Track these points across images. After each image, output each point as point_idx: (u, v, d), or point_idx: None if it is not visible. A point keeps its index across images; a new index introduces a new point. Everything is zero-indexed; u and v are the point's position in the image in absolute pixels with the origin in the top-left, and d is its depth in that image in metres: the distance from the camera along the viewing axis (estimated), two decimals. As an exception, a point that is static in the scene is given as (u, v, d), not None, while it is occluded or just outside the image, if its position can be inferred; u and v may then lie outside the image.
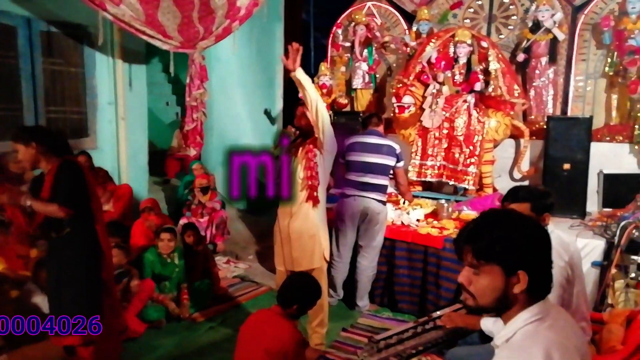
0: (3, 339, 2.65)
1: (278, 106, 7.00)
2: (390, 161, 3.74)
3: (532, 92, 4.78)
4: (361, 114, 5.31)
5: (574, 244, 2.41)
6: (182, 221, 4.98)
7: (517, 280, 1.22)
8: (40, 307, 2.98)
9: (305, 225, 3.04)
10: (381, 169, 3.72)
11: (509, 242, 1.22)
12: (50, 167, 2.48)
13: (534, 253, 1.24)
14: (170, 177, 6.41)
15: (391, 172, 3.81)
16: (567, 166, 4.03)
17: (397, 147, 3.77)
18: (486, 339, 2.22)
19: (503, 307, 1.28)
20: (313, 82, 5.56)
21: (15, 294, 3.07)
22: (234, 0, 5.24)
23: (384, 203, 3.78)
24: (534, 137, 4.57)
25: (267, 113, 6.84)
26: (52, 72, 4.87)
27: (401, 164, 3.81)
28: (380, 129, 3.89)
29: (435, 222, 3.96)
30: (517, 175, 4.64)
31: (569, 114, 4.67)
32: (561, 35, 4.62)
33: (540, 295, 1.28)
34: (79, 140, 5.07)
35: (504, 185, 4.40)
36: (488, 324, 2.22)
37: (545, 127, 4.32)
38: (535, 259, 1.24)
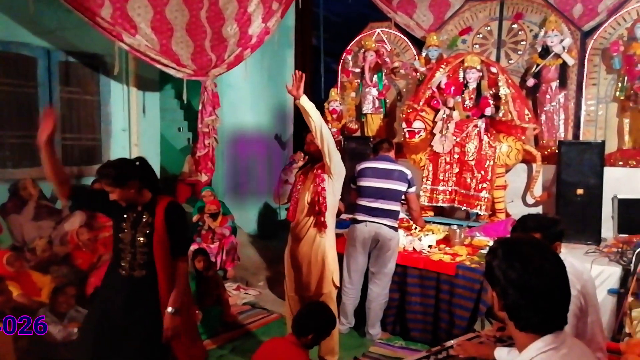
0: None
1: (289, 131, 7.07)
2: (401, 186, 3.72)
3: (543, 117, 4.77)
4: (371, 139, 5.34)
5: (588, 272, 2.36)
6: (193, 247, 4.98)
7: (495, 298, 1.30)
8: (54, 335, 2.97)
9: (313, 250, 3.05)
10: (392, 195, 3.71)
11: (497, 263, 1.28)
12: (147, 204, 2.39)
13: (513, 280, 1.24)
14: (181, 203, 6.45)
15: (403, 197, 3.79)
16: (580, 191, 3.98)
17: (408, 172, 3.76)
18: (501, 370, 2.16)
19: (502, 328, 1.30)
20: (323, 107, 5.69)
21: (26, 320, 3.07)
22: (246, 29, 5.37)
23: (395, 229, 3.75)
24: (547, 162, 4.54)
25: (277, 138, 6.90)
26: (69, 100, 5.02)
27: (413, 189, 3.79)
28: (392, 154, 3.89)
29: (447, 249, 3.92)
30: (530, 200, 4.59)
31: (581, 138, 4.65)
32: (571, 60, 4.63)
33: (554, 324, 1.26)
34: (93, 167, 5.16)
35: (517, 210, 4.36)
36: (502, 353, 2.16)
37: (557, 151, 4.29)
38: (521, 287, 1.23)
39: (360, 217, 3.73)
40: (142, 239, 2.37)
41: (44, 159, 2.36)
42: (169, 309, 2.37)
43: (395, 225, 3.76)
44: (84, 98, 5.15)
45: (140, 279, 2.38)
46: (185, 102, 5.49)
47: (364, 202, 3.74)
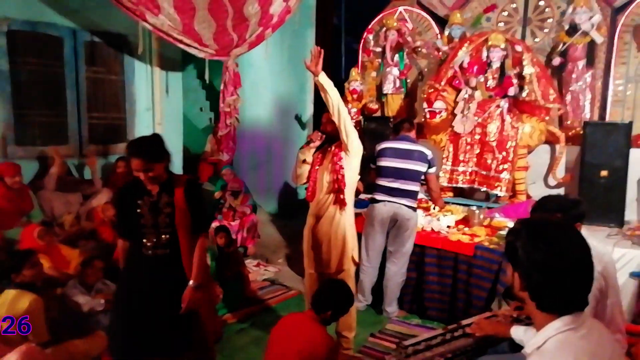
0: (49, 333, 2.79)
1: (309, 112, 7.07)
2: (421, 167, 3.72)
3: (568, 97, 4.66)
4: (391, 119, 5.32)
5: (609, 254, 2.35)
6: (214, 224, 5.10)
7: (516, 279, 1.31)
8: (81, 305, 3.12)
9: (333, 228, 3.07)
10: (412, 175, 3.71)
11: (521, 244, 1.29)
12: (164, 183, 2.40)
13: (537, 261, 1.25)
14: (203, 181, 6.58)
15: (423, 178, 3.79)
16: (604, 173, 3.91)
17: (429, 152, 3.75)
18: (516, 348, 2.19)
19: (520, 308, 1.32)
20: (344, 87, 5.67)
21: (59, 291, 3.23)
22: (267, 8, 5.35)
23: (414, 209, 3.76)
24: (570, 143, 4.46)
25: (297, 118, 6.92)
26: (95, 80, 5.12)
27: (433, 169, 3.78)
28: (412, 134, 3.87)
29: (466, 229, 3.92)
30: (552, 182, 4.53)
31: (608, 119, 4.53)
32: (600, 38, 4.49)
33: (575, 305, 1.28)
34: (118, 145, 5.29)
35: (539, 192, 4.31)
36: (519, 332, 2.19)
37: (582, 132, 4.21)
38: (545, 269, 1.25)
39: (379, 196, 3.76)
40: (164, 219, 2.39)
41: None
42: (191, 283, 2.44)
43: (414, 205, 3.77)
44: (108, 77, 5.24)
45: (164, 256, 2.43)
46: (207, 82, 5.54)
47: (383, 182, 3.75)
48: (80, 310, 3.09)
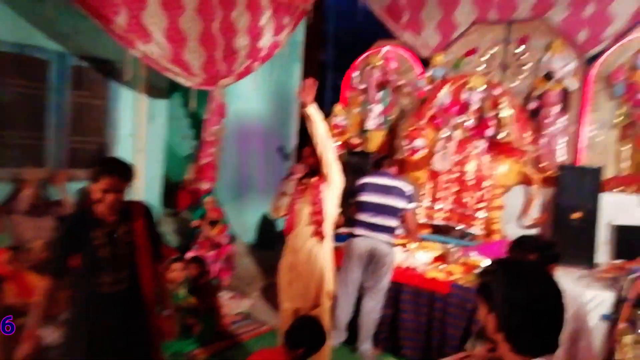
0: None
1: (292, 144, 7.14)
2: (400, 203, 3.75)
3: (544, 140, 4.79)
4: (372, 155, 5.39)
5: (581, 297, 2.37)
6: (189, 254, 5.02)
7: (491, 320, 1.29)
8: (45, 338, 2.99)
9: (311, 261, 3.06)
10: (391, 211, 3.74)
11: (498, 285, 1.28)
12: (126, 207, 2.25)
13: (517, 302, 1.25)
14: (181, 210, 6.51)
15: (401, 213, 3.82)
16: (576, 215, 4.00)
17: (408, 189, 3.80)
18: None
19: (493, 349, 1.30)
20: (328, 122, 5.75)
21: (21, 322, 3.09)
22: (256, 41, 5.48)
23: (392, 245, 3.77)
24: (545, 185, 4.56)
25: (280, 150, 6.97)
26: (79, 104, 5.11)
27: (412, 205, 3.82)
28: (393, 170, 3.93)
29: (441, 267, 3.93)
30: (526, 222, 4.60)
31: (580, 163, 4.66)
32: (574, 85, 4.67)
33: (548, 348, 1.28)
34: (98, 170, 5.23)
35: (513, 232, 4.36)
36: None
37: (556, 175, 4.31)
38: (519, 308, 1.25)
39: (358, 231, 3.77)
40: (124, 250, 2.22)
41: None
42: (166, 312, 2.34)
43: (393, 241, 3.78)
44: (93, 102, 5.24)
45: (124, 292, 2.24)
46: (193, 110, 5.58)
47: (362, 217, 3.77)
48: (40, 344, 2.97)
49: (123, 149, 5.40)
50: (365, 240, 3.71)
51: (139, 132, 5.48)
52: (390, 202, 3.74)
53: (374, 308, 3.78)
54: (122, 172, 2.17)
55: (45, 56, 4.83)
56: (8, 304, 3.11)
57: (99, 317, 2.21)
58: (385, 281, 3.77)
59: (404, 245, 4.29)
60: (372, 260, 3.73)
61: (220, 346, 3.85)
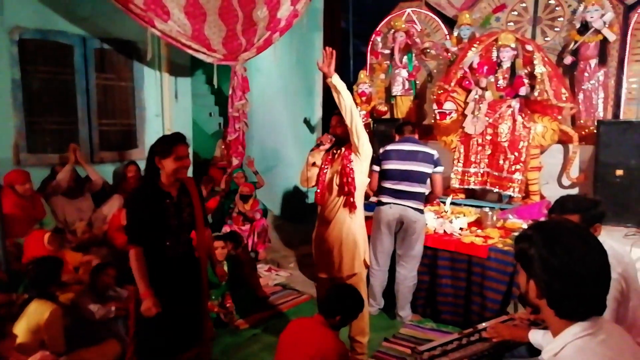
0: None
1: (317, 114, 7.05)
2: (427, 168, 3.69)
3: (580, 96, 4.60)
4: (401, 121, 5.28)
5: (628, 255, 2.29)
6: (224, 229, 5.09)
7: (531, 286, 1.27)
8: (93, 314, 3.10)
9: (343, 231, 3.04)
10: (418, 177, 3.68)
11: (535, 251, 1.24)
12: (185, 187, 2.54)
13: (557, 268, 1.20)
14: (215, 186, 6.58)
15: (429, 178, 3.76)
16: (619, 172, 3.84)
17: (434, 152, 3.72)
18: (535, 352, 2.14)
19: (536, 311, 1.28)
20: (352, 90, 5.65)
21: (66, 298, 3.21)
22: (275, 12, 5.35)
23: (421, 211, 3.73)
24: (584, 142, 4.39)
25: (306, 122, 6.91)
26: (105, 86, 5.15)
27: (440, 169, 3.74)
28: (415, 135, 3.86)
29: (479, 231, 3.87)
30: (566, 182, 4.46)
31: (622, 117, 4.46)
32: (612, 36, 4.43)
33: (593, 310, 1.23)
34: (129, 152, 5.31)
35: (552, 192, 4.25)
36: (537, 336, 2.14)
37: (595, 131, 4.14)
38: (559, 274, 1.20)
39: (385, 199, 3.73)
40: (187, 218, 2.51)
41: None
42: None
43: (421, 207, 3.73)
44: (118, 84, 5.27)
45: (184, 255, 2.54)
46: (216, 87, 5.55)
47: (388, 185, 3.72)
48: (92, 319, 3.09)
49: (151, 129, 5.44)
50: (392, 208, 3.67)
51: (166, 111, 5.50)
52: (416, 168, 3.68)
53: (408, 275, 3.77)
54: (186, 140, 2.49)
55: (67, 40, 4.85)
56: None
57: (165, 279, 2.47)
58: (418, 248, 3.75)
59: (438, 211, 4.23)
60: (402, 228, 3.70)
61: (261, 316, 3.93)
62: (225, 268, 3.92)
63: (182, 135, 2.49)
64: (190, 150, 2.74)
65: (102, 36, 5.04)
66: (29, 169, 4.32)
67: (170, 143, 2.43)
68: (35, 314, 2.68)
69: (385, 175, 3.76)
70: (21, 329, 2.61)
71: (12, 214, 3.80)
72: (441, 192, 3.92)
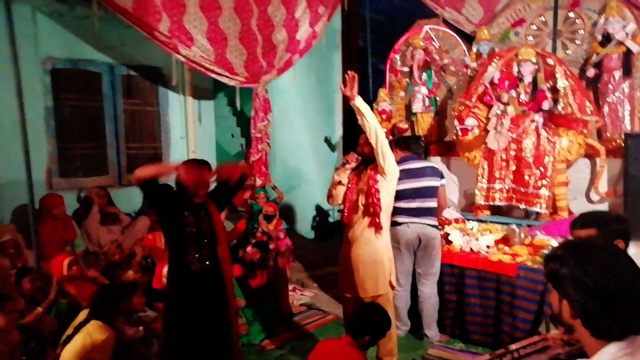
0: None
1: (338, 133, 7.12)
2: (436, 182, 3.76)
3: (605, 109, 4.52)
4: (422, 138, 5.28)
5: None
6: (249, 249, 5.12)
7: (565, 307, 1.24)
8: (130, 335, 3.14)
9: (368, 251, 3.05)
10: (429, 192, 3.72)
11: (567, 270, 1.22)
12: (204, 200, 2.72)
13: (590, 287, 1.19)
14: (237, 206, 6.65)
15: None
16: (651, 186, 3.75)
17: (437, 166, 3.86)
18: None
19: (569, 331, 1.25)
20: (372, 108, 5.68)
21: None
22: (294, 34, 5.48)
23: (437, 227, 3.73)
24: (612, 156, 4.30)
25: (327, 141, 6.97)
26: (131, 112, 5.32)
27: (444, 181, 3.86)
28: (419, 151, 3.91)
29: (506, 249, 3.81)
30: (594, 197, 4.36)
31: (650, 129, 4.37)
32: (635, 47, 4.36)
33: (630, 330, 1.20)
34: (155, 174, 5.42)
35: (581, 208, 4.15)
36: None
37: (623, 145, 4.06)
38: (593, 293, 1.18)
39: (401, 219, 3.69)
40: (206, 227, 2.61)
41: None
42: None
43: (436, 223, 3.75)
44: (144, 109, 5.44)
45: (209, 271, 2.61)
46: (238, 108, 5.67)
47: (402, 204, 3.68)
48: (127, 341, 3.13)
49: (176, 152, 5.58)
50: (410, 227, 3.65)
51: (190, 134, 5.63)
52: (427, 184, 3.71)
53: (431, 293, 3.73)
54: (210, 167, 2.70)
55: (96, 69, 5.04)
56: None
57: (192, 292, 2.59)
58: (437, 265, 3.73)
59: (463, 229, 4.18)
60: (420, 246, 3.68)
61: (287, 337, 3.93)
62: None
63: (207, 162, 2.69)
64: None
65: (129, 63, 5.23)
66: (60, 192, 4.47)
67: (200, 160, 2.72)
68: (93, 335, 2.73)
69: (398, 195, 3.73)
70: (75, 346, 2.68)
71: (46, 236, 3.93)
72: (445, 205, 4.00)
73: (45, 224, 3.99)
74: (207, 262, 2.60)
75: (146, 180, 2.59)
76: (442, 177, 3.81)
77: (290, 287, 5.09)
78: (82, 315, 2.95)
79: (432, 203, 3.71)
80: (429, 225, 3.66)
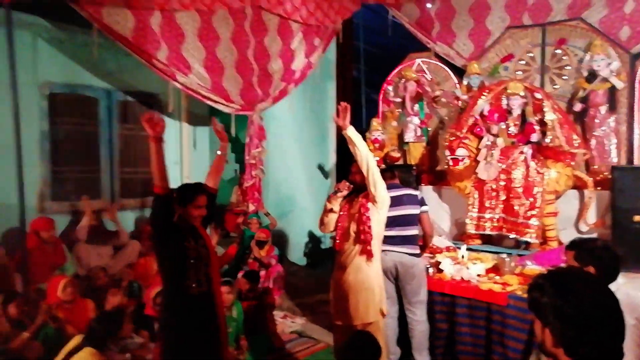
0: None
1: (331, 161, 7.19)
2: (414, 209, 3.72)
3: (593, 142, 4.64)
4: (414, 167, 5.36)
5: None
6: (240, 275, 5.09)
7: (547, 335, 1.26)
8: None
9: (359, 278, 3.06)
10: (408, 220, 3.69)
11: (548, 299, 1.25)
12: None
13: (570, 315, 1.21)
14: (229, 231, 6.64)
15: (417, 219, 3.77)
16: (638, 218, 3.82)
17: (417, 193, 3.81)
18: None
19: None
20: (365, 137, 5.78)
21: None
22: (289, 64, 5.61)
23: (417, 255, 3.72)
24: (600, 188, 4.39)
25: (320, 168, 7.03)
26: (127, 136, 5.36)
27: (426, 208, 3.79)
28: (396, 181, 3.87)
29: (497, 278, 3.83)
30: (583, 227, 4.43)
31: (636, 162, 4.48)
32: (620, 84, 4.52)
33: (612, 357, 1.23)
34: (149, 199, 5.42)
35: (571, 238, 4.18)
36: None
37: (610, 177, 4.16)
38: (573, 321, 1.21)
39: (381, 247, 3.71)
40: (202, 252, 2.65)
41: (154, 152, 2.66)
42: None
43: (417, 251, 3.72)
44: (140, 134, 5.46)
45: (206, 293, 2.64)
46: (233, 135, 5.73)
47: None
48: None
49: (170, 177, 5.58)
50: (388, 255, 3.62)
51: (184, 159, 5.67)
52: (405, 212, 3.69)
53: (419, 320, 3.70)
54: (207, 192, 2.78)
55: (93, 94, 5.11)
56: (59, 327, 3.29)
57: (191, 315, 2.62)
58: (423, 292, 3.71)
59: (454, 258, 4.21)
60: (400, 275, 3.67)
61: (277, 366, 3.87)
62: (234, 313, 3.92)
63: (202, 186, 2.75)
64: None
65: (126, 89, 5.31)
66: (52, 216, 4.45)
67: (193, 191, 2.71)
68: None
69: None
70: None
71: (35, 260, 3.89)
72: (432, 231, 3.95)
73: (34, 247, 3.96)
74: (204, 286, 2.63)
75: (168, 192, 2.62)
76: (422, 204, 3.78)
77: (281, 314, 5.04)
78: (75, 340, 2.90)
79: (411, 231, 3.70)
80: (406, 253, 3.64)
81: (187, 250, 2.60)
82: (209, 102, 5.12)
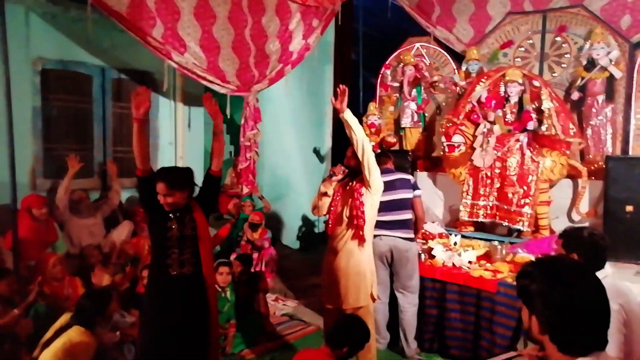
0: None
1: (327, 145, 7.15)
2: (407, 194, 3.76)
3: (589, 131, 4.63)
4: (410, 153, 5.35)
5: (631, 291, 2.28)
6: (232, 257, 5.10)
7: (533, 322, 1.27)
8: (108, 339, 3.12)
9: (351, 263, 3.07)
10: (401, 204, 3.73)
11: (536, 286, 1.26)
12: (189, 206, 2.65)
13: (557, 303, 1.22)
14: (223, 214, 6.63)
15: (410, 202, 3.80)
16: (629, 208, 3.84)
17: (410, 177, 3.85)
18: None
19: (542, 348, 1.29)
20: (362, 121, 5.75)
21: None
22: (287, 46, 5.53)
23: (411, 239, 3.74)
24: (593, 178, 4.40)
25: (316, 151, 7.00)
26: (120, 115, 5.29)
27: (418, 192, 3.84)
28: (390, 164, 3.91)
29: (488, 265, 3.85)
30: (575, 217, 4.45)
31: (630, 153, 4.48)
32: (618, 73, 4.49)
33: (596, 345, 1.25)
34: (141, 178, 5.40)
35: (562, 227, 4.19)
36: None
37: (604, 167, 4.16)
38: (559, 309, 1.22)
39: (375, 231, 3.71)
40: (189, 232, 2.57)
41: (136, 133, 2.60)
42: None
43: (411, 235, 3.75)
44: (133, 113, 5.42)
45: (190, 277, 2.57)
46: (228, 116, 5.68)
47: (377, 217, 3.72)
48: (105, 346, 3.09)
49: (164, 157, 5.55)
50: (382, 240, 3.66)
51: (179, 139, 5.62)
52: (399, 196, 3.72)
53: (410, 307, 3.75)
54: (170, 180, 2.54)
55: (87, 71, 5.02)
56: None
57: (169, 299, 2.55)
58: (416, 277, 3.74)
59: (447, 244, 4.22)
60: (394, 259, 3.70)
61: (268, 347, 3.90)
62: (229, 295, 3.93)
63: (163, 173, 2.57)
64: (201, 178, 2.85)
65: (120, 67, 5.22)
66: (44, 193, 4.41)
67: (155, 177, 2.56)
68: (74, 340, 2.69)
69: None
70: (55, 351, 2.63)
71: (27, 238, 3.87)
72: (424, 215, 4.00)
73: (25, 224, 3.93)
74: (187, 268, 2.57)
75: (149, 175, 2.57)
76: (415, 188, 3.81)
77: (273, 296, 5.07)
78: (64, 318, 2.91)
79: (405, 215, 3.73)
80: (401, 238, 3.67)
81: (169, 231, 2.54)
82: (204, 82, 5.05)
